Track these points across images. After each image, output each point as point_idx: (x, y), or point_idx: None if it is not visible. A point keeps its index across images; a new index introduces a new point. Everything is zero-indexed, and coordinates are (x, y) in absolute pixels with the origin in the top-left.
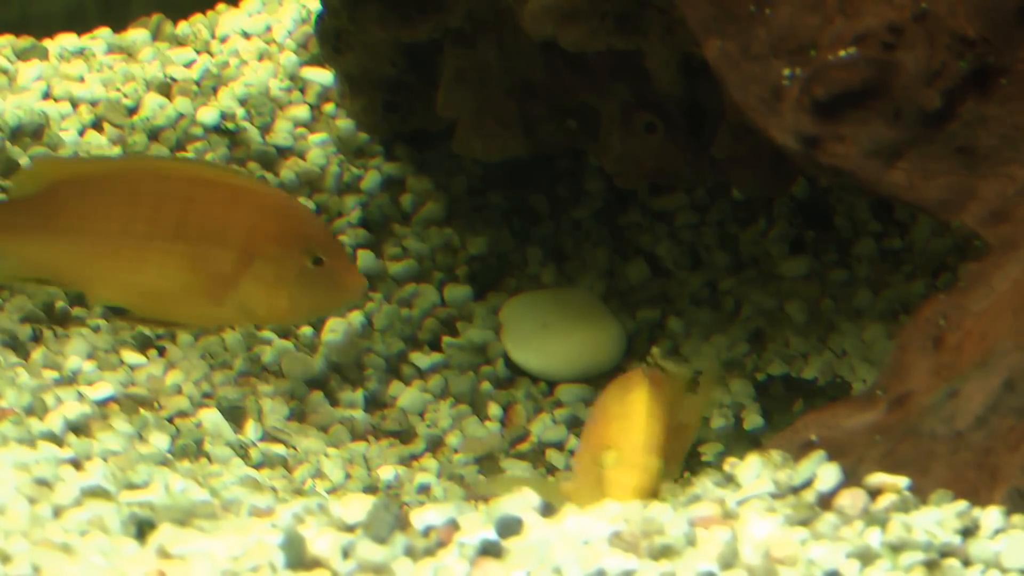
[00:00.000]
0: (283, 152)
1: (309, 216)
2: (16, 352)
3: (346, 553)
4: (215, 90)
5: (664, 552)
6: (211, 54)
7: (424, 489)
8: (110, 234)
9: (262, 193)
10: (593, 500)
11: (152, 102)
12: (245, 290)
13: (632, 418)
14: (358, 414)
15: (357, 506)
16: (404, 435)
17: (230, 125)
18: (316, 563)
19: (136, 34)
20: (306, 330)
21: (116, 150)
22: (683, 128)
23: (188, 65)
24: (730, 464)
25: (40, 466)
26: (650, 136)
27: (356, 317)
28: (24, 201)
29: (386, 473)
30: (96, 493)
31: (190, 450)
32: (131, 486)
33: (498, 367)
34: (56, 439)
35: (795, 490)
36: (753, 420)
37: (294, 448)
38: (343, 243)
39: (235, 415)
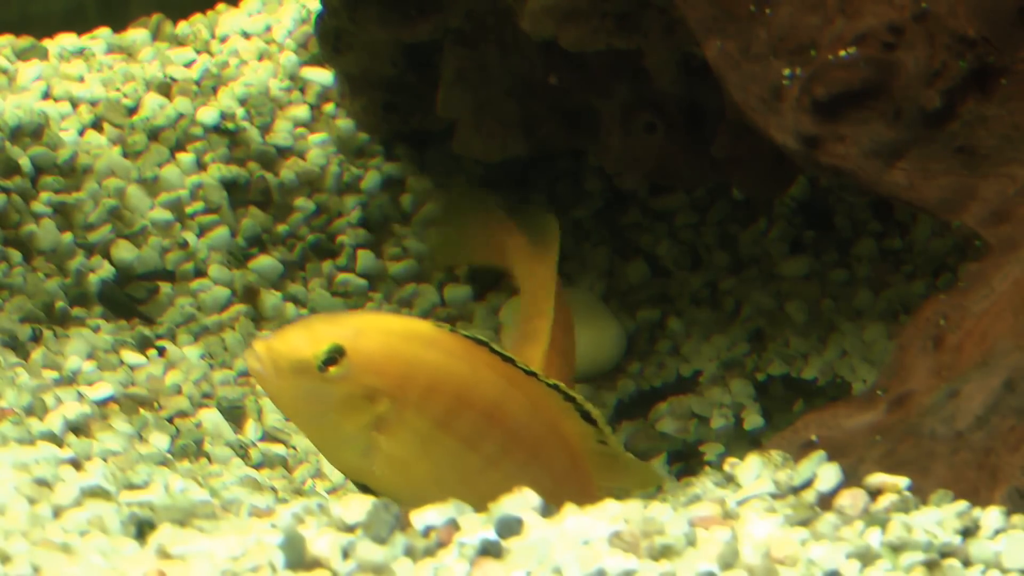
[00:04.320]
0: (283, 152)
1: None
2: (16, 352)
3: (346, 553)
4: (215, 90)
5: (664, 552)
6: (211, 54)
7: None
8: None
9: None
10: None
11: (152, 102)
12: None
13: None
14: None
15: (357, 506)
16: None
17: (230, 125)
18: (316, 563)
19: (136, 34)
20: None
21: (116, 150)
22: (683, 128)
23: (188, 65)
24: (730, 464)
25: (40, 466)
26: (650, 136)
27: None
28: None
29: None
30: (96, 493)
31: (190, 450)
32: (131, 486)
33: None
34: (56, 439)
35: (795, 490)
36: (753, 420)
37: (294, 448)
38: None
39: (235, 415)
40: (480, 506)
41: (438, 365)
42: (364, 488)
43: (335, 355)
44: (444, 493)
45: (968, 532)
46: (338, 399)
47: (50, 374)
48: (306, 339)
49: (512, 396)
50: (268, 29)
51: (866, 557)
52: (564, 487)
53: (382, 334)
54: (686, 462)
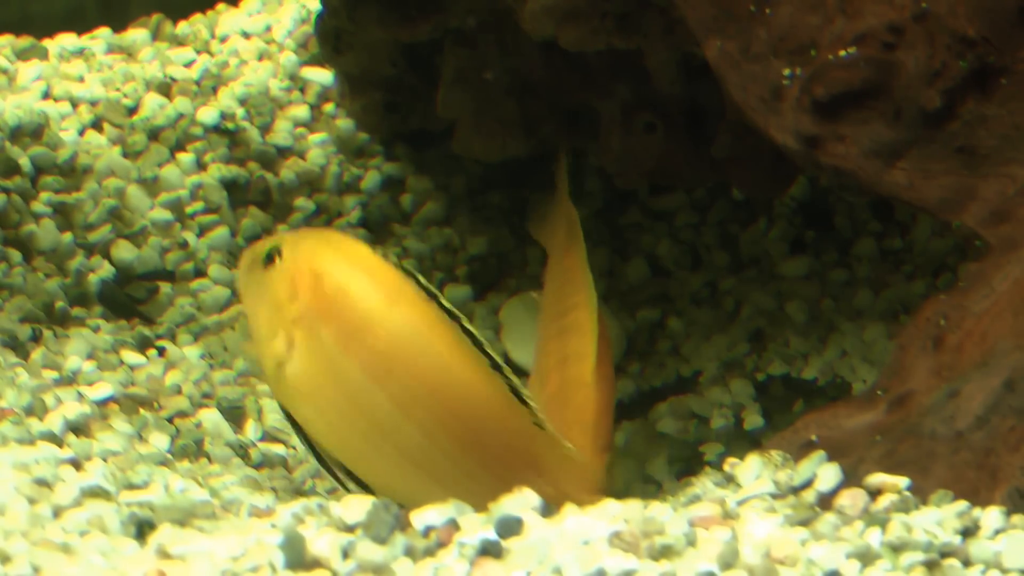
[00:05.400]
0: (283, 152)
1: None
2: (16, 352)
3: (346, 553)
4: (215, 90)
5: (664, 552)
6: (211, 54)
7: None
8: None
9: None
10: None
11: (152, 102)
12: None
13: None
14: None
15: (357, 506)
16: None
17: (230, 125)
18: (316, 563)
19: (136, 34)
20: None
21: (116, 150)
22: (683, 128)
23: (188, 65)
24: (730, 464)
25: (40, 466)
26: (650, 136)
27: None
28: None
29: None
30: (96, 493)
31: (190, 450)
32: (131, 486)
33: None
34: (56, 439)
35: (795, 490)
36: (753, 420)
37: (294, 448)
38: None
39: (235, 415)
40: (414, 472)
41: (367, 303)
42: (293, 422)
43: (274, 254)
44: (356, 437)
45: (968, 532)
46: (269, 292)
47: (50, 374)
48: (267, 242)
49: (451, 367)
50: (268, 29)
51: (866, 557)
52: (520, 475)
53: (331, 249)
54: (686, 462)
